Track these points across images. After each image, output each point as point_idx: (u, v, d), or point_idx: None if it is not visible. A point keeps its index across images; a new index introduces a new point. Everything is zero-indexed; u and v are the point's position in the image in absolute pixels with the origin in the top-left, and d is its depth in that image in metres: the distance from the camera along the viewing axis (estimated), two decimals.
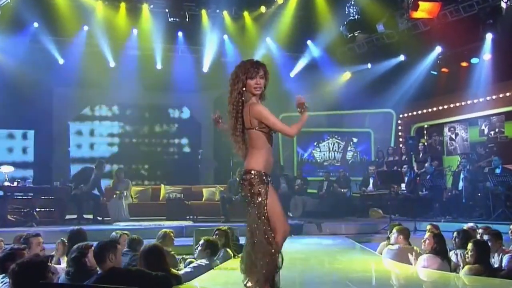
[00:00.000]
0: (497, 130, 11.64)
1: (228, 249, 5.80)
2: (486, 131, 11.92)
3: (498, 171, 9.97)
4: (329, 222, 10.12)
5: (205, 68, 13.37)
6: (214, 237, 5.75)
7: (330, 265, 5.97)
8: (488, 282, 4.30)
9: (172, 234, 5.93)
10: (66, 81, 12.53)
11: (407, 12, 10.62)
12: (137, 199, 11.49)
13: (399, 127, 14.06)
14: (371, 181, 12.19)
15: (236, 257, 5.82)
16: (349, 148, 14.41)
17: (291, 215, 11.84)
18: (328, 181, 12.53)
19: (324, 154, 14.40)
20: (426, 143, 12.91)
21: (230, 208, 10.65)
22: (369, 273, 5.34)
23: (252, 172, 3.48)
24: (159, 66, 13.13)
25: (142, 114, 13.95)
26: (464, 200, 10.43)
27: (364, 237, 9.03)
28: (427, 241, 5.16)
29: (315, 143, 14.41)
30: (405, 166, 11.76)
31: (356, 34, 11.97)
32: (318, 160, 14.44)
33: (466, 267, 4.57)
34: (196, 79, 13.34)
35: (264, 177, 3.49)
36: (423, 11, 10.32)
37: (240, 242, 6.94)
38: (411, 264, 5.25)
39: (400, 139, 13.83)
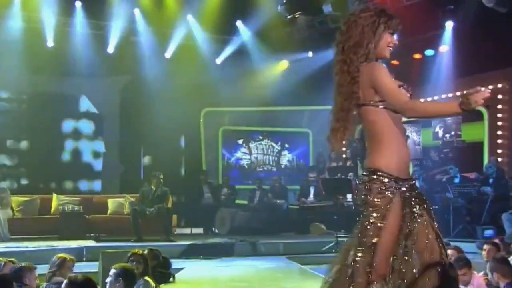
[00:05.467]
0: (453, 133, 12.28)
1: (148, 278, 5.59)
2: (440, 134, 12.55)
3: (457, 180, 10.51)
4: (264, 240, 10.17)
5: (110, 49, 13.16)
6: (129, 264, 5.50)
7: None
8: None
9: (72, 262, 5.82)
10: None
11: None
12: (20, 212, 11.17)
13: None
14: (311, 190, 12.41)
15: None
16: (284, 151, 14.62)
17: (217, 231, 11.90)
18: (261, 191, 12.67)
19: (256, 158, 14.55)
20: None
21: (143, 224, 10.48)
22: None
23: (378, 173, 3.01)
24: (50, 43, 12.70)
25: (26, 104, 13.41)
26: None
27: (310, 258, 9.07)
28: None
29: (244, 145, 14.41)
30: (350, 173, 12.03)
31: (297, 16, 12.09)
32: (247, 165, 14.47)
33: None
34: (99, 61, 12.99)
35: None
36: None
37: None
38: None
39: (344, 142, 14.03)
